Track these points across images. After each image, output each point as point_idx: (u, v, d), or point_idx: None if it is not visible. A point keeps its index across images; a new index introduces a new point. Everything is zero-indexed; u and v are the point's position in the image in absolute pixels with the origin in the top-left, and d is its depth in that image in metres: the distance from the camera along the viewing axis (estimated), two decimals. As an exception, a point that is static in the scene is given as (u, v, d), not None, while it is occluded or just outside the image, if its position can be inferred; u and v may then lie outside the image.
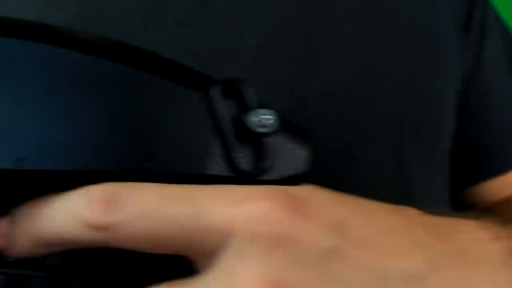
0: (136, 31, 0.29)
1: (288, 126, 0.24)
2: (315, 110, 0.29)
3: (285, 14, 0.30)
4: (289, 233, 0.21)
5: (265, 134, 0.23)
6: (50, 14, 0.30)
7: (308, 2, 0.30)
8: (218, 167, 0.23)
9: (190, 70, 0.24)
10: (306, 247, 0.21)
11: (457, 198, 0.39)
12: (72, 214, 0.21)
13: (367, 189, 0.25)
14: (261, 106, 0.23)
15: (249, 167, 0.23)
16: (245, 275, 0.20)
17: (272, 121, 0.23)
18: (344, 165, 0.30)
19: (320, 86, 0.30)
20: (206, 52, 0.29)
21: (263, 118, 0.23)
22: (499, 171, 0.40)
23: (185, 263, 0.23)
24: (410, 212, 0.25)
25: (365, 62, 0.31)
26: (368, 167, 0.30)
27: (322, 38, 0.30)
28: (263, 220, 0.21)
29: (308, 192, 0.23)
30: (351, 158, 0.30)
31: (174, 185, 0.22)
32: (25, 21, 0.23)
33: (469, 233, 0.24)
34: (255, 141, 0.23)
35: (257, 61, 0.29)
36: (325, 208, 0.22)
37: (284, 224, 0.21)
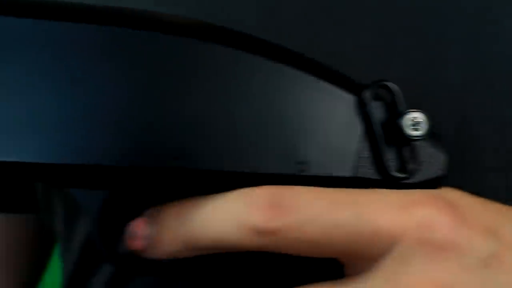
0: (251, 30, 0.29)
1: None
2: (432, 112, 0.29)
3: (398, 15, 0.30)
4: (453, 239, 0.21)
5: (418, 138, 0.22)
6: (165, 10, 0.30)
7: (419, 3, 0.30)
8: (367, 170, 0.23)
9: (336, 71, 0.24)
10: (470, 253, 0.21)
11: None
12: (234, 217, 0.21)
13: (480, 193, 0.25)
14: (410, 109, 0.23)
15: (396, 170, 0.23)
16: (413, 280, 0.20)
17: (424, 125, 0.23)
18: (459, 168, 0.30)
19: (436, 88, 0.29)
20: (324, 52, 0.28)
21: (416, 122, 0.23)
22: None
23: (328, 265, 0.23)
24: None
25: (475, 62, 0.30)
26: (481, 170, 0.30)
27: (435, 39, 0.30)
28: (431, 226, 0.21)
29: (457, 197, 0.22)
30: (465, 160, 0.30)
31: (335, 189, 0.21)
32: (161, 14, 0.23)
33: None
34: (404, 144, 0.23)
35: (375, 62, 0.29)
36: (477, 214, 0.22)
37: (450, 230, 0.21)
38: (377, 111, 0.23)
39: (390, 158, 0.23)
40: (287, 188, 0.21)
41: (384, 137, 0.23)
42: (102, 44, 0.21)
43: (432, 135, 0.24)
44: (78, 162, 0.21)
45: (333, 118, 0.22)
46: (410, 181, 0.23)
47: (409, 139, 0.23)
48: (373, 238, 0.20)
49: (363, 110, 0.23)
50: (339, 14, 0.29)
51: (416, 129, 0.22)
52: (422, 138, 0.23)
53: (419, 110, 0.23)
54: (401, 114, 0.23)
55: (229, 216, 0.21)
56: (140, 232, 0.23)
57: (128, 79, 0.21)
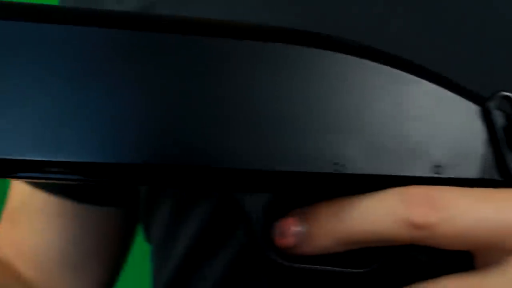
0: (360, 36, 0.31)
1: None
2: None
3: (485, 23, 0.32)
4: None
5: None
6: (272, 16, 0.32)
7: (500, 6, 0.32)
8: (491, 172, 0.26)
9: (459, 84, 0.26)
10: None
11: None
12: (392, 213, 0.23)
13: None
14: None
15: None
16: None
17: None
18: None
19: None
20: (429, 61, 0.31)
21: None
22: None
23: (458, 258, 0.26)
24: None
25: None
26: None
27: None
28: None
29: None
30: None
31: (473, 188, 0.24)
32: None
33: None
34: None
35: (472, 70, 0.31)
36: None
37: None
38: (499, 119, 0.26)
39: (511, 161, 0.26)
40: (437, 187, 0.24)
41: (506, 142, 0.26)
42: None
43: None
44: (245, 167, 0.23)
45: (461, 126, 0.25)
46: None
47: None
48: (510, 231, 0.23)
49: (487, 118, 0.25)
50: (436, 21, 0.31)
51: None
52: None
53: None
54: None
55: (387, 212, 0.23)
56: (291, 230, 0.25)
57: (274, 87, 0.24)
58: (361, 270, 0.26)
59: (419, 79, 0.25)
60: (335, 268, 0.26)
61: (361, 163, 0.24)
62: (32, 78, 0.22)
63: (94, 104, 0.22)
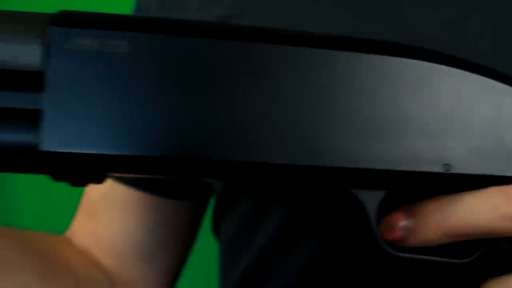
0: (442, 44, 0.33)
1: None
2: None
3: None
4: None
5: None
6: (363, 27, 0.34)
7: None
8: None
9: None
10: None
11: None
12: (496, 208, 0.26)
13: None
14: None
15: None
16: None
17: None
18: None
19: None
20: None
21: None
22: None
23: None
24: None
25: None
26: None
27: None
28: None
29: None
30: None
31: None
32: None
33: None
34: None
35: None
36: None
37: None
38: None
39: None
40: None
41: None
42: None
43: None
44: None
45: None
46: None
47: None
48: None
49: None
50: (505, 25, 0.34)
51: None
52: None
53: None
54: None
55: (491, 208, 0.26)
56: (399, 224, 0.28)
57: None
58: (464, 260, 0.28)
59: (509, 87, 0.28)
60: (440, 258, 0.28)
61: (466, 164, 0.26)
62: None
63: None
